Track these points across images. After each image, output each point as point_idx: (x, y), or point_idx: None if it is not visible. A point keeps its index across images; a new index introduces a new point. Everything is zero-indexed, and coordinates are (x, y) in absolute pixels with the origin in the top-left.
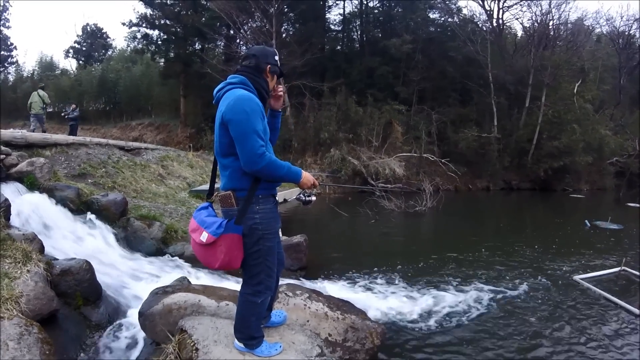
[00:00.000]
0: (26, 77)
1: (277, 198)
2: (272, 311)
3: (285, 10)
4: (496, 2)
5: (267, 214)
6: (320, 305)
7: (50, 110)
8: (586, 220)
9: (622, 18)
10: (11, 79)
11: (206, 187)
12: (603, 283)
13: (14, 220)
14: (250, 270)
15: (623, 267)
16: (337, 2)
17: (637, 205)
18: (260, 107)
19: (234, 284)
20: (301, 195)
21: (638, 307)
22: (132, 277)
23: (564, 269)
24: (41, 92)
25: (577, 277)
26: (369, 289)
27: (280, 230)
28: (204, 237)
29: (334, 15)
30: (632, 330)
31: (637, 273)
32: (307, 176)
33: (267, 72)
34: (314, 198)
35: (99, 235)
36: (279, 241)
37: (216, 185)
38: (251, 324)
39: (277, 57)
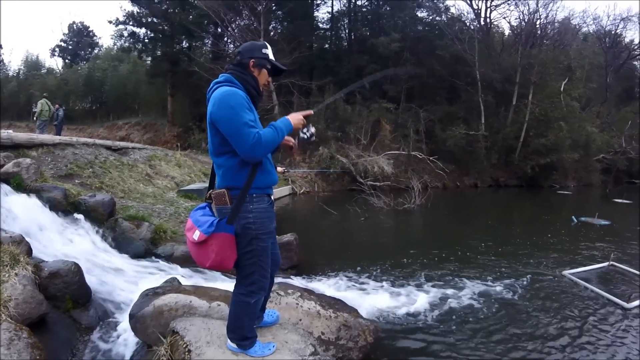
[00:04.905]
0: (12, 76)
1: (272, 197)
2: (264, 311)
3: (274, 8)
4: (484, 1)
5: (262, 214)
6: (313, 303)
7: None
8: (573, 217)
9: (608, 17)
10: None
11: (194, 186)
12: (592, 278)
13: (1, 222)
14: (243, 270)
15: (611, 262)
16: (325, 0)
17: (624, 201)
18: (246, 99)
19: (224, 284)
20: (301, 135)
21: (626, 301)
22: (121, 279)
23: (553, 264)
24: (47, 101)
25: (566, 273)
26: (360, 287)
27: (275, 230)
28: (196, 235)
29: (322, 14)
30: (620, 323)
31: (625, 267)
32: (295, 118)
33: (251, 67)
34: (313, 130)
35: (87, 236)
36: (274, 242)
37: None
38: (244, 324)
39: (265, 50)
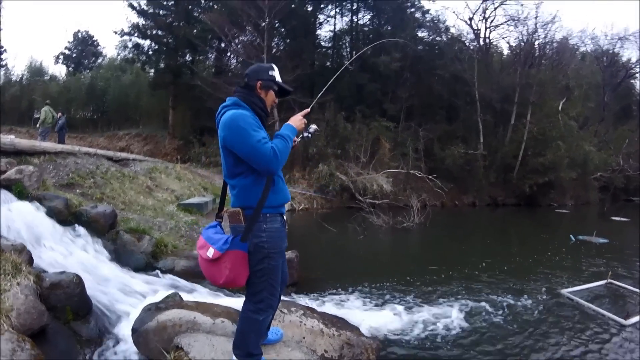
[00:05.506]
0: (15, 81)
1: (284, 217)
2: (269, 329)
3: (277, 25)
4: (483, 21)
5: (274, 233)
6: (316, 321)
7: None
8: (571, 235)
9: (606, 37)
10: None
11: (194, 200)
12: (590, 296)
13: (2, 229)
14: (253, 287)
15: (609, 280)
16: (328, 18)
17: (622, 218)
18: (254, 118)
19: (226, 301)
20: (305, 134)
21: (624, 318)
22: (122, 292)
23: (552, 283)
24: (51, 108)
25: (564, 291)
26: (361, 305)
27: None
28: (210, 252)
29: (324, 32)
30: (619, 340)
31: (623, 285)
32: (296, 121)
33: (258, 89)
34: (313, 126)
35: (88, 247)
36: (283, 260)
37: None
38: (250, 341)
39: (272, 72)
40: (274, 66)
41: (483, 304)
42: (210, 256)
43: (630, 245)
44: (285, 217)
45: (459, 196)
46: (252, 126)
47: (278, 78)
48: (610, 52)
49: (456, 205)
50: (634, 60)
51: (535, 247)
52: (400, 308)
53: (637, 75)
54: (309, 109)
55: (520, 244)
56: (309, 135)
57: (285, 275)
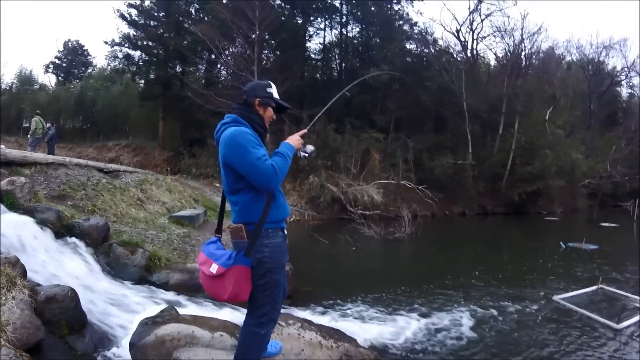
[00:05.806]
0: (4, 89)
1: (285, 232)
2: (268, 342)
3: (267, 37)
4: (470, 33)
5: (276, 248)
6: (314, 334)
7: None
8: (562, 242)
9: (591, 46)
10: None
11: (186, 213)
12: (582, 301)
13: None
14: (255, 302)
15: (600, 285)
16: (317, 31)
17: (610, 224)
18: (254, 135)
19: (223, 314)
20: (302, 154)
21: (616, 322)
22: (116, 306)
23: (544, 290)
24: (41, 118)
25: (556, 298)
26: (356, 316)
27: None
28: (214, 268)
29: (314, 44)
30: (612, 343)
31: (614, 290)
32: (294, 140)
33: (256, 106)
34: (310, 147)
35: (81, 261)
36: (283, 275)
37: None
38: (252, 355)
39: (269, 89)
40: (271, 83)
41: (477, 312)
42: (214, 272)
43: (620, 250)
44: (285, 232)
45: (449, 206)
46: (252, 143)
47: (276, 95)
48: (596, 60)
49: (446, 215)
50: (619, 68)
51: (526, 254)
52: (397, 318)
53: (622, 82)
54: (306, 130)
55: (512, 252)
56: (306, 155)
57: (285, 288)
